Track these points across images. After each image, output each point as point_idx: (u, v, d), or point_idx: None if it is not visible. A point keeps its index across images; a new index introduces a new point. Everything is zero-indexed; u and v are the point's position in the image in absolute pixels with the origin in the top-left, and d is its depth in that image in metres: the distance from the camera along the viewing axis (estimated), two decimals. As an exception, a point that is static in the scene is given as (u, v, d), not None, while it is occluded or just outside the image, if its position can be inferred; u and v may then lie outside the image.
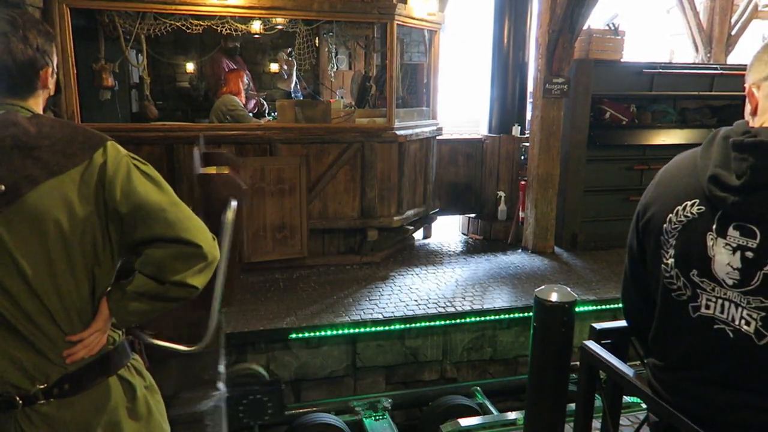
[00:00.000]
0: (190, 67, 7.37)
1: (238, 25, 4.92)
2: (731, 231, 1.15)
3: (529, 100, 6.28)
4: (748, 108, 1.27)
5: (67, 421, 1.38)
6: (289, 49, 6.52)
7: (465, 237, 6.60)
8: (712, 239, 1.19)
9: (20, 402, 1.33)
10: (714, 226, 1.18)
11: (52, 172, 1.28)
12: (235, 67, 6.11)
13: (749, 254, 1.13)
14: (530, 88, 6.14)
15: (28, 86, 1.40)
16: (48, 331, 1.33)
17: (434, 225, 6.50)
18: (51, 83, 1.46)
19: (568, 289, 2.15)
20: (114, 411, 1.43)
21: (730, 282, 1.16)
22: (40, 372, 1.34)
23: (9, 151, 1.28)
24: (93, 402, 1.41)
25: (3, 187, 1.26)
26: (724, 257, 1.16)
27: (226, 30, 4.89)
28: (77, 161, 1.31)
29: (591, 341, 1.70)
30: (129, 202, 1.32)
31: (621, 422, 1.79)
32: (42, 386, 1.35)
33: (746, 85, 1.26)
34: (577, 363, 1.78)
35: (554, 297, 2.08)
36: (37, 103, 1.43)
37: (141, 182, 1.35)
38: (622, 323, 1.69)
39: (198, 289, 1.39)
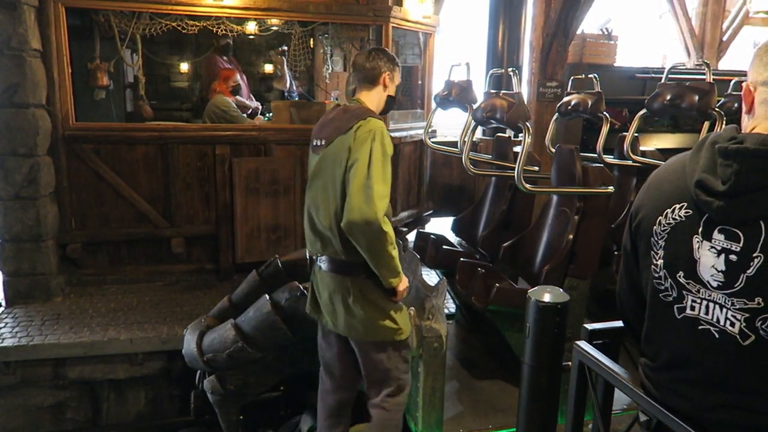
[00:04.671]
0: (184, 67, 7.36)
1: (234, 25, 4.93)
2: (716, 234, 1.18)
3: (522, 103, 6.30)
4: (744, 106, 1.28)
5: (319, 284, 2.51)
6: (280, 48, 6.52)
7: (458, 239, 6.61)
8: (698, 242, 1.21)
9: (313, 259, 2.50)
10: (700, 229, 1.21)
11: (341, 131, 2.34)
12: (230, 67, 6.11)
13: (733, 257, 1.16)
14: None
15: (370, 83, 2.47)
16: (325, 225, 2.37)
17: (428, 226, 6.51)
18: (389, 86, 2.51)
19: (561, 290, 2.17)
20: (335, 293, 2.41)
21: (714, 284, 1.19)
22: (317, 249, 2.45)
23: (330, 122, 2.44)
24: (329, 280, 2.43)
25: (324, 141, 2.40)
26: (709, 259, 1.19)
27: (221, 31, 4.90)
28: (351, 126, 2.32)
29: (583, 341, 1.73)
30: (352, 157, 2.26)
31: (612, 421, 1.81)
32: (316, 256, 2.47)
33: (745, 82, 1.26)
34: (569, 363, 1.80)
35: (547, 297, 2.09)
36: (370, 96, 2.48)
37: (365, 150, 2.23)
38: (614, 324, 1.71)
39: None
